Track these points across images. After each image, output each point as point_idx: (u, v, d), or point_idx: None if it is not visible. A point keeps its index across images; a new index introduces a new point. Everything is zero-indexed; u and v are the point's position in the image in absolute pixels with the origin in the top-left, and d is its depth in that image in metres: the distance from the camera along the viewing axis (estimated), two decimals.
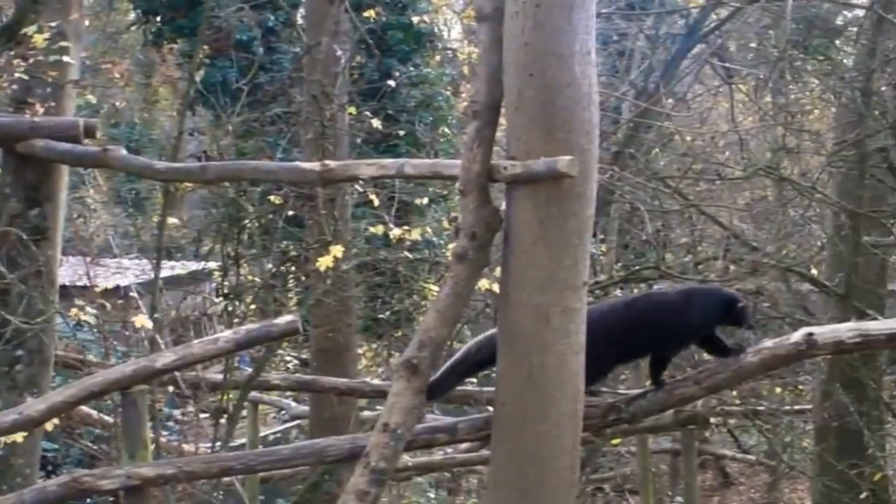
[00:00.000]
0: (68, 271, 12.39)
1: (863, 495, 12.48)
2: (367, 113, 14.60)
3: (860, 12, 13.88)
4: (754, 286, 13.08)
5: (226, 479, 10.35)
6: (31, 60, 9.09)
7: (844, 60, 14.40)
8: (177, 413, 14.72)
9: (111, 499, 7.97)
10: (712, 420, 12.96)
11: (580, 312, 5.59)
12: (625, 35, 12.42)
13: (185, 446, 11.57)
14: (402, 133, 18.18)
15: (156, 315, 10.11)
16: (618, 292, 13.12)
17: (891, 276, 14.91)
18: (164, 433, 11.95)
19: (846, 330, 6.03)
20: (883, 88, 12.60)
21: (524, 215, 5.56)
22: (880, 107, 12.46)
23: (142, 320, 9.89)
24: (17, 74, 9.08)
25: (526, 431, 5.57)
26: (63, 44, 9.19)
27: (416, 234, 12.25)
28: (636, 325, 6.11)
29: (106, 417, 11.26)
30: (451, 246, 8.08)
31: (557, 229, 5.52)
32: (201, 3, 16.42)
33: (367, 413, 13.30)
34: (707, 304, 6.17)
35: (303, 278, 13.51)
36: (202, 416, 12.48)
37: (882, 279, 14.12)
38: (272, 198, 11.50)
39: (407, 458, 10.06)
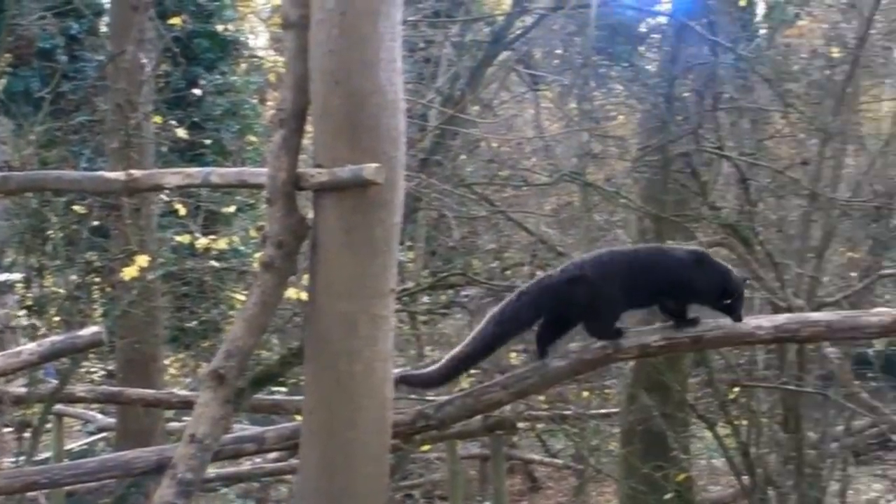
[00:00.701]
0: None
1: (667, 496, 12.77)
2: (173, 121, 14.46)
3: (663, 19, 14.21)
4: None
5: (30, 493, 10.14)
6: None
7: (648, 67, 14.70)
8: None
9: None
10: (520, 425, 13.15)
11: (388, 320, 5.63)
12: (431, 42, 12.50)
13: None
14: (208, 142, 18.04)
15: None
16: (425, 299, 13.22)
17: None
18: None
19: (651, 333, 6.15)
20: (685, 94, 12.91)
21: (331, 223, 5.58)
22: (683, 112, 12.76)
23: None
24: None
25: (335, 439, 5.58)
26: None
27: (222, 244, 12.18)
28: (641, 273, 6.19)
29: None
30: (257, 255, 8.05)
31: (364, 237, 5.55)
32: (2, 10, 16.07)
33: (174, 424, 13.17)
34: (713, 279, 6.21)
35: (108, 289, 13.31)
36: (5, 430, 12.20)
37: None
38: (76, 208, 11.30)
39: (215, 469, 9.98)
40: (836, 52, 14.26)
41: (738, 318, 6.25)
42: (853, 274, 13.97)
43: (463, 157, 12.68)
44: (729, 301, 6.19)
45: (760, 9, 15.27)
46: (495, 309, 6.25)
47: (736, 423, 12.52)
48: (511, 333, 6.32)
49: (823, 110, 12.85)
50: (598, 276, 6.06)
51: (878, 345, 12.80)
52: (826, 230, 12.50)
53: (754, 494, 12.18)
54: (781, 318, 6.16)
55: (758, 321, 6.12)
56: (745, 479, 12.39)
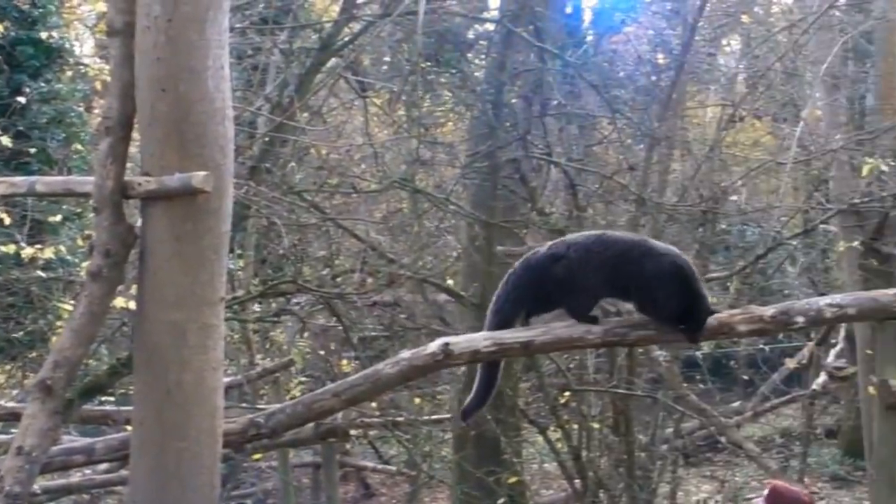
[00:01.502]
0: None
1: (500, 501, 12.91)
2: None
3: (490, 26, 14.37)
4: (391, 297, 13.37)
5: None
6: None
7: (476, 73, 14.84)
8: None
9: None
10: (352, 432, 13.17)
11: (218, 328, 5.62)
12: (259, 49, 12.46)
13: None
14: (33, 150, 17.71)
15: None
16: (256, 307, 13.17)
17: None
18: None
19: (482, 339, 6.18)
20: (513, 101, 13.08)
21: (159, 231, 5.56)
22: (511, 119, 12.93)
23: None
24: None
25: (165, 449, 5.56)
26: None
27: (49, 253, 11.98)
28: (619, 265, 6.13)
29: None
30: (85, 264, 7.97)
31: (193, 245, 5.53)
32: None
33: (0, 437, 12.91)
34: (680, 299, 6.07)
35: None
36: None
37: None
38: None
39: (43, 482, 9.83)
40: (661, 59, 14.60)
41: (693, 340, 6.26)
42: None
43: (292, 164, 12.66)
44: (684, 327, 6.18)
45: (587, 15, 15.52)
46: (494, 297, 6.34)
47: (567, 427, 12.73)
48: (510, 314, 6.34)
49: (650, 116, 13.13)
50: (578, 259, 6.11)
51: (706, 347, 13.10)
52: (653, 234, 12.76)
53: (586, 497, 12.40)
54: (611, 323, 6.21)
55: (587, 326, 6.17)
56: (577, 482, 12.61)
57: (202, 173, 5.42)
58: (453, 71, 14.55)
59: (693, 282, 6.08)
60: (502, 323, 6.27)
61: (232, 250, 10.68)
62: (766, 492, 6.77)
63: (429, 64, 13.86)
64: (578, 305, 6.17)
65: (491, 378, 6.45)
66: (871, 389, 9.78)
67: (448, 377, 14.21)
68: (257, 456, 12.90)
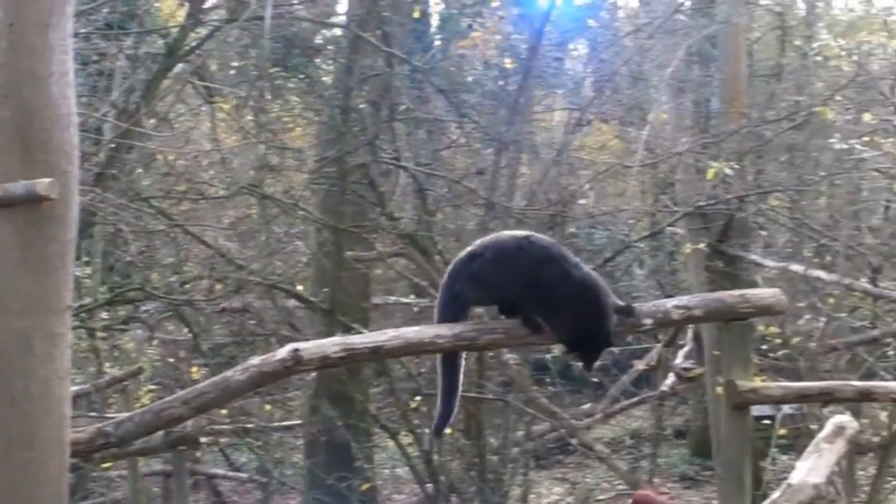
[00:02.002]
0: None
1: None
2: None
3: (338, 31, 14.39)
4: (241, 304, 13.33)
5: None
6: None
7: (324, 78, 14.86)
8: None
9: None
10: (203, 440, 13.11)
11: (64, 337, 5.57)
12: (104, 55, 12.34)
13: None
14: None
15: None
16: (104, 314, 13.03)
17: (374, 289, 15.57)
18: None
19: (332, 344, 6.16)
20: (361, 105, 13.12)
21: (3, 239, 5.47)
22: (359, 123, 12.97)
23: None
24: None
25: (10, 459, 5.48)
26: None
27: None
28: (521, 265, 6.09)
29: None
30: None
31: (38, 253, 5.47)
32: None
33: None
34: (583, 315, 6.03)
35: None
36: None
37: (366, 293, 14.75)
38: None
39: None
40: (509, 63, 14.77)
41: (587, 368, 6.33)
42: None
43: (139, 170, 12.57)
44: (578, 354, 6.26)
45: (435, 20, 15.64)
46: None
47: (418, 431, 12.79)
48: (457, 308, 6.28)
49: (497, 120, 13.27)
50: (492, 259, 6.11)
51: (556, 350, 13.25)
52: None
53: (438, 501, 12.48)
54: (460, 327, 6.20)
55: (437, 330, 6.21)
56: (429, 486, 12.68)
57: (47, 180, 5.36)
58: (301, 76, 14.56)
59: (605, 315, 6.06)
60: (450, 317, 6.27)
61: (78, 257, 10.58)
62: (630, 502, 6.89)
63: (276, 69, 13.85)
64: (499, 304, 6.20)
65: (453, 385, 6.40)
66: (719, 389, 9.99)
67: (299, 383, 14.22)
68: (106, 465, 12.76)
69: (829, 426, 6.86)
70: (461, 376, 6.45)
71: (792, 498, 6.03)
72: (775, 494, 6.11)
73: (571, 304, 5.98)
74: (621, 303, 6.27)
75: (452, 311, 6.24)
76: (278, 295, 13.24)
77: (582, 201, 14.45)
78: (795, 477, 6.16)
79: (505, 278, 6.06)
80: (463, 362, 6.46)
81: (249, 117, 14.06)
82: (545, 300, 6.03)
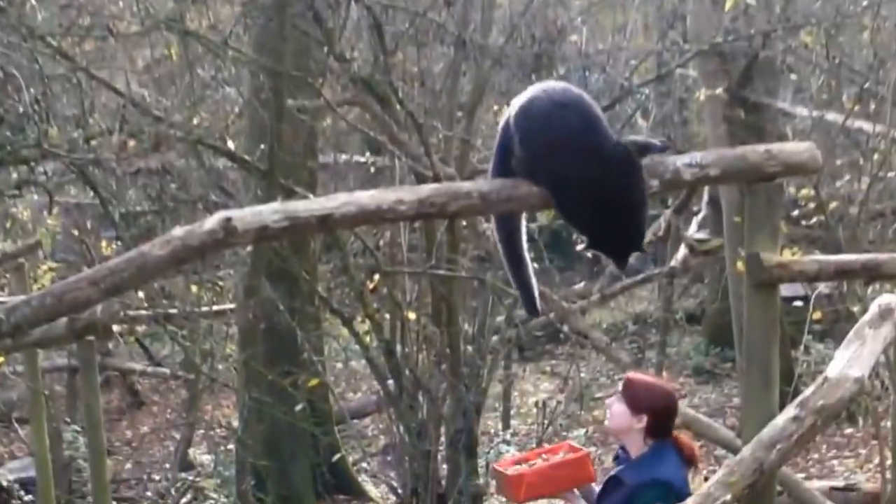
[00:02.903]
0: None
1: (298, 407, 13.00)
2: None
3: None
4: (159, 163, 13.29)
5: None
6: None
7: None
8: None
9: None
10: (115, 328, 13.10)
11: None
12: None
13: None
14: None
15: None
16: None
17: (322, 146, 15.52)
18: None
19: (271, 212, 6.12)
20: None
21: None
22: None
23: None
24: None
25: None
26: None
27: None
28: None
29: None
30: None
31: None
32: None
33: None
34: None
35: None
36: None
37: (312, 150, 14.70)
38: None
39: None
40: None
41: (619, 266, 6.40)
42: None
43: (32, 1, 12.44)
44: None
45: None
46: None
47: (377, 317, 12.83)
48: None
49: None
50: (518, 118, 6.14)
51: (543, 218, 13.25)
52: (477, 83, 12.85)
53: (401, 401, 12.54)
54: (427, 190, 6.20)
55: (398, 194, 6.19)
56: (390, 382, 12.74)
57: None
58: None
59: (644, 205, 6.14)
60: None
61: None
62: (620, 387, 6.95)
63: None
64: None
65: (516, 259, 6.57)
66: (740, 265, 10.03)
67: (231, 259, 14.23)
68: None
69: (873, 307, 6.87)
70: (524, 244, 6.58)
71: (829, 394, 6.06)
72: (809, 390, 6.13)
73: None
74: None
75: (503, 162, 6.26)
76: (205, 153, 13.19)
77: (573, 38, 14.39)
78: (833, 369, 6.18)
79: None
80: (524, 228, 6.56)
81: None
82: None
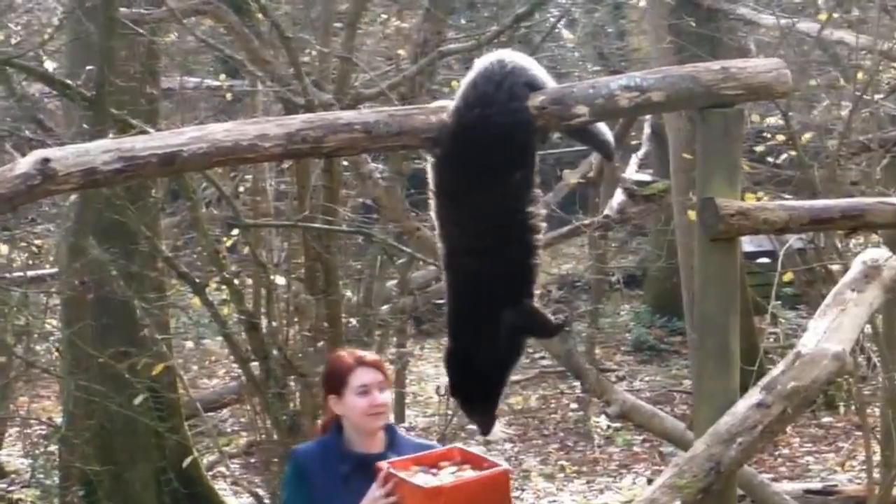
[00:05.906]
0: None
1: (139, 398, 12.97)
2: None
3: None
4: None
5: None
6: None
7: None
8: None
9: None
10: None
11: None
12: None
13: None
14: None
15: None
16: None
17: (164, 67, 15.45)
18: None
19: (100, 152, 6.11)
20: None
21: None
22: None
23: None
24: None
25: None
26: None
27: None
28: None
29: None
30: None
31: None
32: None
33: None
34: None
35: None
36: None
37: (152, 73, 14.62)
38: None
39: None
40: None
41: None
42: (402, 53, 14.42)
43: None
44: None
45: None
46: None
47: (237, 283, 12.83)
48: None
49: None
50: None
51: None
52: None
53: (267, 387, 12.53)
54: (297, 122, 6.23)
55: (261, 127, 6.20)
56: (254, 365, 12.75)
57: None
58: None
59: None
60: None
61: None
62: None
63: None
64: None
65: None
66: (691, 213, 10.02)
67: (51, 212, 14.16)
68: None
69: (856, 265, 6.95)
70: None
71: (802, 374, 6.13)
72: (777, 370, 6.20)
73: None
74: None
75: None
76: (16, 76, 13.13)
77: None
78: (807, 342, 6.25)
79: None
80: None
81: None
82: None
